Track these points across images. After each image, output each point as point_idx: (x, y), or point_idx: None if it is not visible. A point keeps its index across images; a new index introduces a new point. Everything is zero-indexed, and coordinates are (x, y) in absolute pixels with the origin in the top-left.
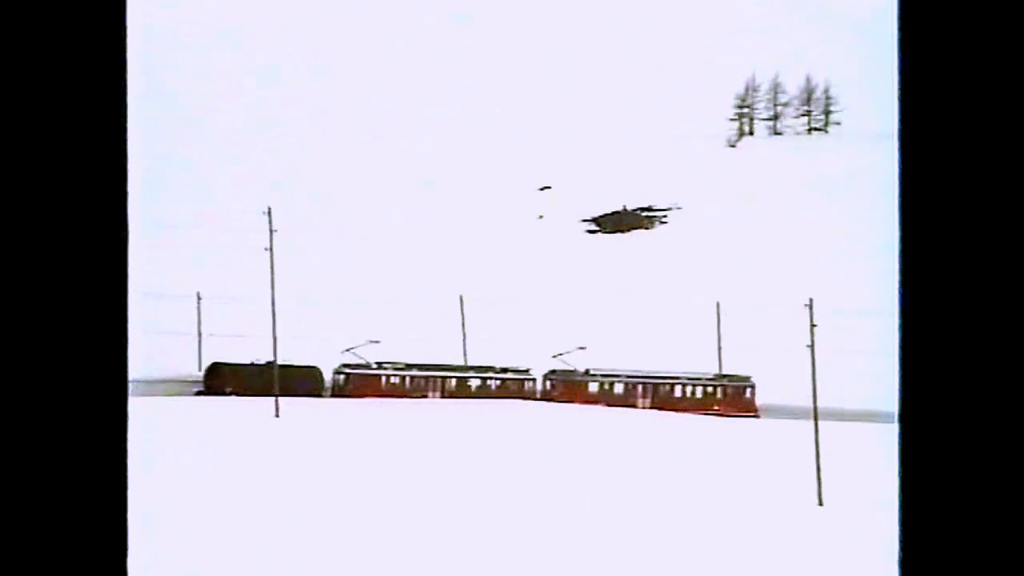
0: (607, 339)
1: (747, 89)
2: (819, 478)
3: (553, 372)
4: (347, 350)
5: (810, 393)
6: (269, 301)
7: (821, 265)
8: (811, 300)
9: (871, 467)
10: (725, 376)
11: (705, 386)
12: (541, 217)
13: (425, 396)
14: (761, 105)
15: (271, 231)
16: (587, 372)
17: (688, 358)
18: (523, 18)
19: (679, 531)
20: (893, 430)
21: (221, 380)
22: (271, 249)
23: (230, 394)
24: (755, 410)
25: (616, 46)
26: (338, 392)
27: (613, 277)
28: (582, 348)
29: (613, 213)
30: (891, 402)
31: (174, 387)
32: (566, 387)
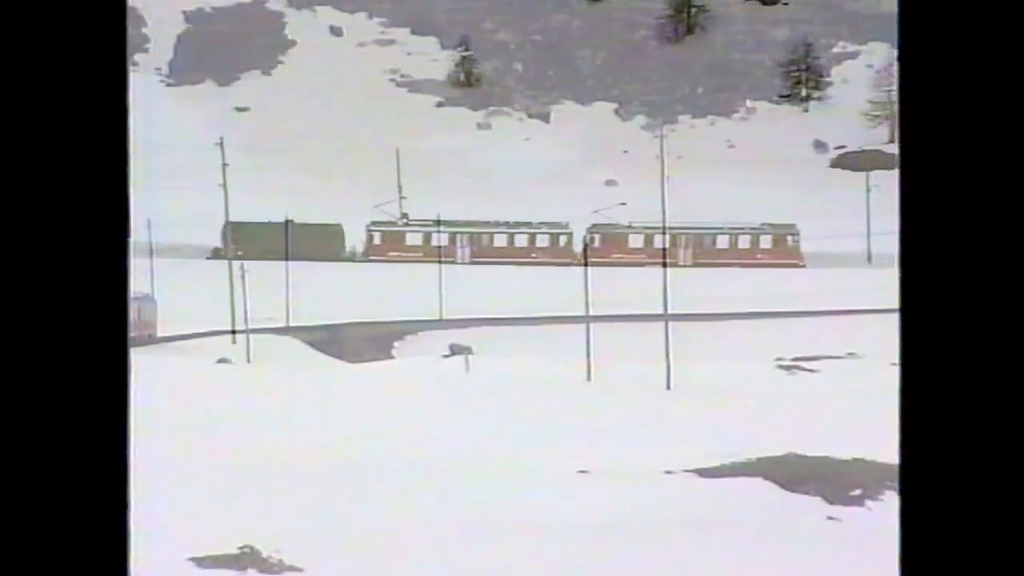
0: None
1: None
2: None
3: (595, 226)
4: (377, 206)
5: None
6: None
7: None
8: (221, 138)
9: None
10: (769, 225)
11: (749, 235)
12: None
13: (453, 255)
14: None
15: None
16: (629, 225)
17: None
18: None
19: None
20: None
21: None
22: None
23: (240, 258)
24: (801, 259)
25: None
26: (365, 250)
27: None
28: (623, 204)
29: None
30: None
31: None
32: (606, 241)
